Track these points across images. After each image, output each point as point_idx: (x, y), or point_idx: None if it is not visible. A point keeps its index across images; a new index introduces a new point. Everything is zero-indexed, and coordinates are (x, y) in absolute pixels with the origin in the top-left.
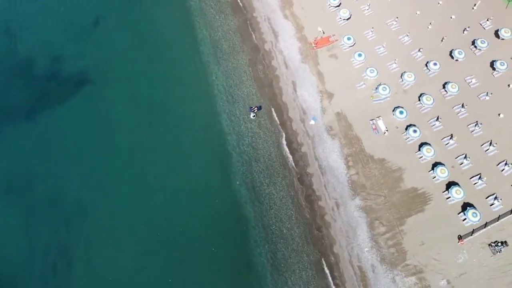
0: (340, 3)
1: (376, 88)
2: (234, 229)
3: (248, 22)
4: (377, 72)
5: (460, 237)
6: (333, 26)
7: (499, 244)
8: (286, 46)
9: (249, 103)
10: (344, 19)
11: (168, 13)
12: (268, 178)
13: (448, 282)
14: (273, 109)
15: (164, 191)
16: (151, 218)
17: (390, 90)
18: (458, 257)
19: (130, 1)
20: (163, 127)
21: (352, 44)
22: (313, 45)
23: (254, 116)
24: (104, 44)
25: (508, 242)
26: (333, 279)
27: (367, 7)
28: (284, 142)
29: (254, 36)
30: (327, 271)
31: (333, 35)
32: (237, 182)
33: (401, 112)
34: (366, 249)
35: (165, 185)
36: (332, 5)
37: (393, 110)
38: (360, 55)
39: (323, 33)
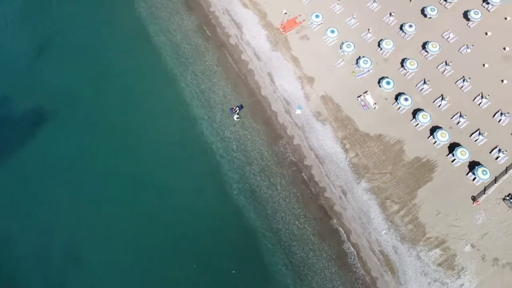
0: None
1: (356, 62)
2: (242, 242)
3: (206, 18)
4: (354, 46)
5: (474, 198)
6: (297, 6)
7: None
8: (252, 36)
9: (228, 105)
10: None
11: (117, 28)
12: (266, 179)
13: (473, 246)
14: (254, 106)
15: (156, 218)
16: (149, 248)
17: (371, 62)
18: (477, 219)
19: (72, 23)
20: (141, 149)
21: (321, 22)
22: (281, 30)
23: (238, 117)
24: (54, 73)
25: None
26: (357, 271)
27: None
28: (274, 138)
29: (216, 32)
30: (349, 264)
31: (299, 16)
32: (234, 192)
33: (387, 83)
34: (384, 231)
35: (156, 211)
36: None
37: (378, 82)
38: (332, 31)
39: (289, 15)
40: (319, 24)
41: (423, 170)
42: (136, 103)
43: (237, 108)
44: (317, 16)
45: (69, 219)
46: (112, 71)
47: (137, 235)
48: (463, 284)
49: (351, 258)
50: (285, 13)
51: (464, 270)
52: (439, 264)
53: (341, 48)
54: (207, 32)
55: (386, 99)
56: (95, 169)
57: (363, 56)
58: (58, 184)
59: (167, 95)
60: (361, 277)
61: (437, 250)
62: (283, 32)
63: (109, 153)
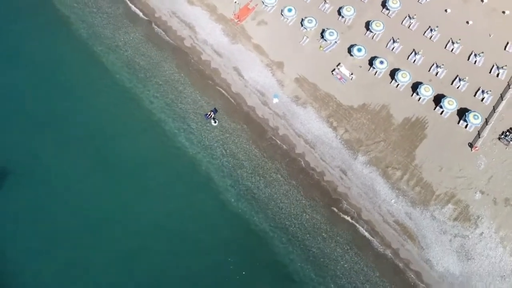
0: None
1: (321, 36)
2: (254, 249)
3: (153, 25)
4: (314, 20)
5: (471, 145)
6: None
7: (507, 133)
8: (207, 34)
9: (201, 111)
10: None
11: (60, 56)
12: (261, 178)
13: (482, 192)
14: (229, 106)
15: (156, 246)
16: (155, 277)
17: (336, 32)
18: (479, 164)
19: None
20: (123, 179)
21: (274, 3)
22: (236, 20)
23: (215, 122)
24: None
25: None
26: (377, 247)
27: None
28: (259, 134)
29: (168, 38)
30: (368, 242)
31: (251, 1)
32: (232, 200)
33: (358, 50)
34: (393, 200)
35: (155, 240)
36: None
37: (349, 51)
38: (289, 10)
39: (239, 4)
40: (273, 6)
41: (415, 129)
42: (104, 133)
43: (212, 113)
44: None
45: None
46: (70, 106)
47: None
48: (482, 232)
49: (368, 236)
50: (236, 2)
51: (480, 218)
52: (455, 219)
53: (302, 25)
54: (158, 40)
55: (361, 66)
56: (85, 208)
57: (327, 28)
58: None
59: (133, 116)
60: (383, 252)
61: (450, 206)
62: (239, 22)
63: (95, 190)
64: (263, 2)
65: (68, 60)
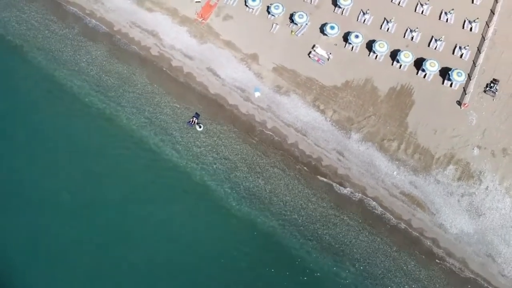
0: None
1: (291, 20)
2: (266, 249)
3: (115, 39)
4: (281, 5)
5: (459, 103)
6: None
7: (491, 85)
8: (173, 38)
9: (182, 120)
10: None
11: (20, 89)
12: (259, 176)
13: (479, 147)
14: (211, 108)
15: (170, 268)
16: None
17: (305, 14)
18: (470, 120)
19: None
20: (116, 209)
21: None
22: (200, 19)
23: (200, 127)
24: None
25: (497, 78)
26: (389, 222)
27: None
28: (247, 131)
29: (132, 50)
30: (379, 219)
31: None
32: (233, 204)
33: (331, 27)
34: (395, 172)
35: (166, 262)
36: None
37: (321, 31)
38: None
39: (200, 2)
40: None
41: (402, 97)
42: (85, 161)
43: (194, 119)
44: None
45: None
46: (46, 141)
47: None
48: (487, 186)
49: (378, 212)
50: (197, 1)
51: (482, 173)
52: (459, 179)
53: (269, 13)
54: (123, 54)
55: (336, 44)
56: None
57: (295, 12)
58: None
59: (113, 137)
60: (396, 226)
61: (451, 166)
62: (203, 21)
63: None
64: None
65: (30, 92)
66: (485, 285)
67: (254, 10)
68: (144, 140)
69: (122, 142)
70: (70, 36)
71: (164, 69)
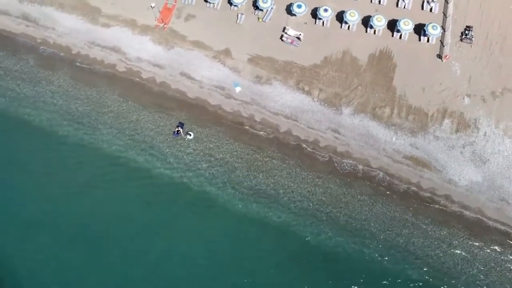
0: None
1: (255, 7)
2: (285, 245)
3: (76, 63)
4: None
5: (440, 56)
6: None
7: (466, 32)
8: (138, 50)
9: (167, 132)
10: None
11: None
12: (259, 172)
13: (468, 96)
14: (194, 114)
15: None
16: None
17: (271, 2)
18: (455, 71)
19: None
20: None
21: None
22: (161, 25)
23: (191, 135)
24: None
25: (470, 24)
26: (399, 188)
27: None
28: (236, 130)
29: (97, 71)
30: (389, 188)
31: (167, 0)
32: (239, 206)
33: (298, 6)
34: (393, 138)
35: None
36: None
37: (289, 13)
38: None
39: (157, 7)
40: None
41: (383, 62)
42: (78, 199)
43: (179, 128)
44: None
45: None
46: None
47: None
48: (485, 132)
49: (386, 182)
50: (153, 6)
51: (477, 120)
52: (457, 130)
53: (231, 4)
54: (88, 76)
55: (306, 23)
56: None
57: None
58: None
59: (99, 166)
60: (407, 191)
61: (446, 120)
62: (165, 26)
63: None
64: None
65: None
66: (505, 229)
67: (215, 5)
68: (132, 161)
69: (108, 167)
70: (26, 69)
71: (135, 83)
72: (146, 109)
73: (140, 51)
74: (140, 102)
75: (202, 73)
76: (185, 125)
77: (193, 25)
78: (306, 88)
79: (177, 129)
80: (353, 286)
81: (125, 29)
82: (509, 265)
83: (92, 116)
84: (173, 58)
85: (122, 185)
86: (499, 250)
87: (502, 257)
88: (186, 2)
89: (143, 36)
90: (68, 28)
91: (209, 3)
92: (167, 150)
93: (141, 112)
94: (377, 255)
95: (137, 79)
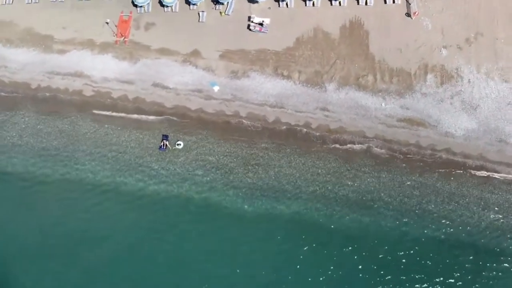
0: None
1: (215, 2)
2: (301, 235)
3: (38, 97)
4: None
5: (408, 14)
6: (105, 7)
7: None
8: (102, 70)
9: (152, 148)
10: None
11: None
12: (257, 168)
13: (445, 47)
14: (176, 123)
15: None
16: None
17: None
18: (426, 26)
19: None
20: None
21: (147, 1)
22: (121, 39)
23: (180, 144)
24: None
25: None
26: (399, 154)
27: None
28: (224, 130)
29: (65, 99)
30: (390, 154)
31: (122, 13)
32: (246, 207)
33: None
34: (383, 104)
35: None
36: None
37: (250, 1)
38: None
39: (112, 22)
40: (147, 3)
41: (355, 32)
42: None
43: (164, 141)
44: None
45: None
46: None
47: None
48: (469, 79)
49: (386, 148)
50: (108, 22)
51: (459, 68)
52: (442, 83)
53: (190, 4)
54: (55, 108)
55: (270, 8)
56: None
57: None
58: None
59: (86, 199)
60: (408, 153)
61: (430, 76)
62: (126, 40)
63: None
64: (136, 6)
65: None
66: (509, 169)
67: (173, 7)
68: (122, 185)
69: (98, 197)
70: None
71: (107, 105)
72: (125, 129)
73: (105, 70)
74: (117, 124)
75: (175, 79)
76: (169, 137)
77: (154, 33)
78: (285, 73)
79: (162, 142)
80: (379, 257)
81: (83, 52)
82: None
83: (69, 148)
84: (142, 71)
85: (117, 212)
86: (509, 189)
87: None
88: (142, 11)
89: (104, 55)
90: (21, 63)
91: (167, 6)
92: (157, 166)
93: (120, 133)
94: (394, 223)
95: (108, 100)
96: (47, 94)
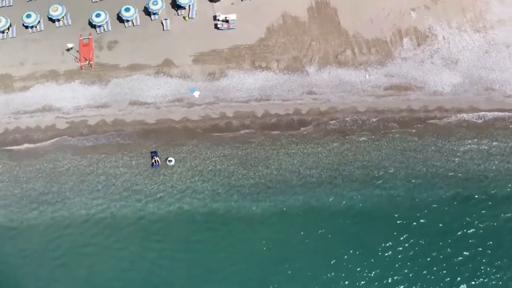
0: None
1: (176, 8)
2: (319, 225)
3: (8, 141)
4: (161, 2)
5: None
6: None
7: None
8: (72, 99)
9: (143, 167)
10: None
11: None
12: (257, 166)
13: (412, 9)
14: (164, 138)
15: None
16: None
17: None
18: None
19: None
20: None
21: (104, 20)
22: (86, 63)
23: (171, 161)
24: None
25: None
26: (393, 121)
27: None
28: (214, 134)
29: (38, 138)
30: (384, 124)
31: (81, 36)
32: (253, 208)
33: None
34: (367, 76)
35: None
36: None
37: (211, 0)
38: (127, 9)
39: (73, 47)
40: (105, 22)
41: (323, 11)
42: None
43: (155, 157)
44: (98, 16)
45: None
46: None
47: None
48: (443, 36)
49: (379, 119)
50: (70, 47)
51: (431, 27)
52: (418, 45)
53: (150, 15)
54: (29, 149)
55: (233, 3)
56: None
57: (155, 1)
58: None
59: (86, 236)
60: (403, 119)
61: (405, 39)
62: (91, 63)
63: None
64: (95, 27)
65: None
66: (503, 114)
67: (133, 21)
68: (118, 211)
69: (96, 231)
70: None
71: (85, 134)
72: (110, 155)
73: (75, 99)
74: (100, 151)
75: (152, 93)
76: (158, 152)
77: (119, 50)
78: (263, 65)
79: (153, 160)
80: (396, 226)
81: (48, 84)
82: None
83: (54, 189)
84: (115, 92)
85: (120, 239)
86: (507, 133)
87: None
88: (102, 31)
89: (71, 83)
90: None
91: (127, 21)
92: (152, 186)
93: (106, 160)
94: (405, 191)
95: (85, 129)
96: (18, 135)
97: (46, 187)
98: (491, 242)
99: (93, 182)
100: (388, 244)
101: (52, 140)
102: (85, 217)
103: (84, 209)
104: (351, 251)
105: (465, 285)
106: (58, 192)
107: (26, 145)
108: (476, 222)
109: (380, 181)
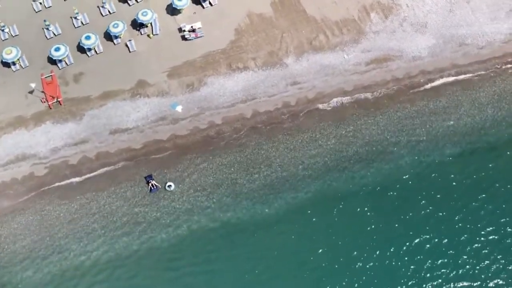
0: None
1: (138, 28)
2: (332, 217)
3: None
4: (121, 24)
5: None
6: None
7: None
8: (47, 142)
9: (140, 196)
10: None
11: None
12: (260, 166)
13: None
14: (154, 161)
15: None
16: None
17: (149, 11)
18: None
19: None
20: None
21: (65, 53)
22: (55, 101)
23: (170, 186)
24: None
25: None
26: (381, 96)
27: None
28: (207, 145)
29: (19, 190)
30: (374, 101)
31: (42, 75)
32: (266, 210)
33: (179, 0)
34: (345, 56)
35: None
36: None
37: (173, 14)
38: (88, 37)
39: (36, 87)
40: (65, 54)
41: (285, 2)
42: None
43: (151, 182)
44: (57, 49)
45: None
46: None
47: None
48: (406, 4)
49: (369, 95)
50: (33, 86)
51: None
52: (386, 17)
53: (113, 39)
54: (8, 204)
55: (195, 12)
56: None
57: (117, 22)
58: None
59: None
60: (391, 90)
61: (373, 14)
62: (61, 100)
63: None
64: (56, 63)
65: None
66: (482, 65)
67: (96, 49)
68: (123, 251)
69: (102, 273)
70: None
71: (69, 176)
72: (101, 191)
73: (50, 141)
74: (89, 189)
75: (132, 118)
76: (153, 175)
77: (87, 81)
78: (241, 65)
79: (149, 185)
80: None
81: (16, 132)
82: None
83: (45, 241)
84: (92, 124)
85: (132, 276)
86: (495, 82)
87: (502, 86)
88: (64, 65)
89: (42, 125)
90: None
91: (89, 50)
92: (155, 213)
93: (98, 198)
94: (411, 158)
95: (67, 170)
96: None
97: (35, 243)
98: (509, 186)
99: (87, 224)
100: (404, 215)
101: (33, 192)
102: (86, 263)
103: (84, 256)
104: (370, 231)
105: (496, 235)
106: (51, 243)
107: (5, 203)
108: (485, 173)
109: (385, 155)
